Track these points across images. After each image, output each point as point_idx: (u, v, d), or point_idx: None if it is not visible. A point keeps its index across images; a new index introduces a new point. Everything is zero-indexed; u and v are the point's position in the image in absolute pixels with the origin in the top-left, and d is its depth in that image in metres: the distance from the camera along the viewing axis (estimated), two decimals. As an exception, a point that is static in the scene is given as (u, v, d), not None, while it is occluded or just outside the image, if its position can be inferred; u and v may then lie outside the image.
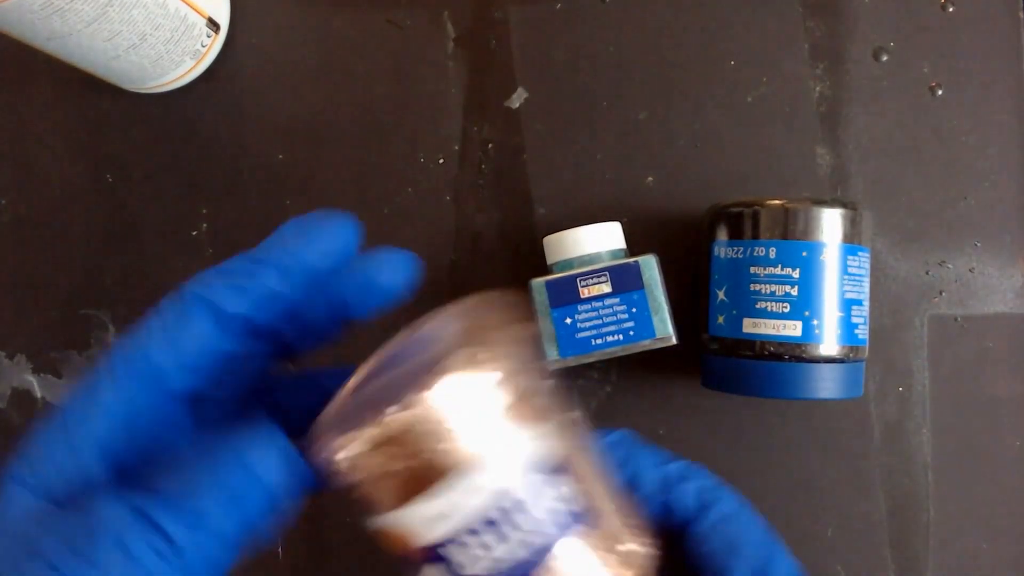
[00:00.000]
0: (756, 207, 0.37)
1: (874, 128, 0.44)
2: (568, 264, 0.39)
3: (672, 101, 0.45)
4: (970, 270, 0.43)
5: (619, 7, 0.45)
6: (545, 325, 0.38)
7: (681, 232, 0.44)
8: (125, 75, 0.43)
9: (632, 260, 0.38)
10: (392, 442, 0.20)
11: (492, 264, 0.45)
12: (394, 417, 0.20)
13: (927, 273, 0.43)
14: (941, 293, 0.43)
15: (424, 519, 0.21)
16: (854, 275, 0.37)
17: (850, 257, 0.37)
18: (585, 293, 0.37)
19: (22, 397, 0.47)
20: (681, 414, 0.43)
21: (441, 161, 0.45)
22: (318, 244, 0.23)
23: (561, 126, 0.45)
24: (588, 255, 0.39)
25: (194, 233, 0.46)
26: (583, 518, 0.22)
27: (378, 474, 0.21)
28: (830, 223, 0.36)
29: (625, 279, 0.37)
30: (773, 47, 0.44)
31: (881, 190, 0.44)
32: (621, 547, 0.22)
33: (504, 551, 0.21)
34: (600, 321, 0.37)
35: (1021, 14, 0.44)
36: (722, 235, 0.39)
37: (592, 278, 0.37)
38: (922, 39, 0.44)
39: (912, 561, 0.42)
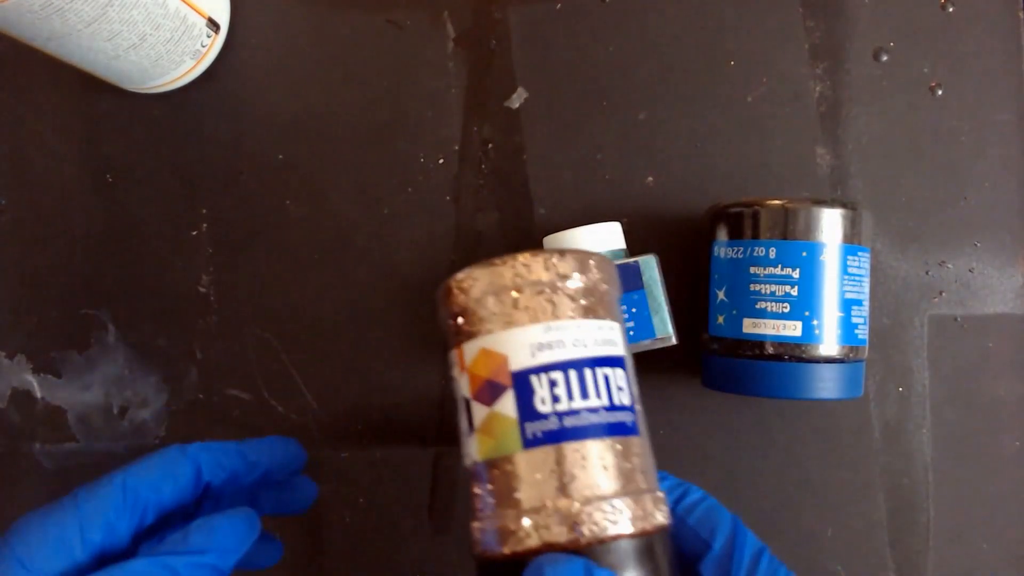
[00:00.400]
0: (756, 207, 0.37)
1: (874, 128, 0.44)
2: None
3: (672, 101, 0.45)
4: (970, 270, 0.43)
5: (619, 7, 0.45)
6: None
7: (681, 232, 0.44)
8: (125, 75, 0.43)
9: (632, 260, 0.38)
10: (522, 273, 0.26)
11: (492, 264, 0.45)
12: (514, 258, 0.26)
13: (927, 273, 0.43)
14: (941, 293, 0.43)
15: (526, 345, 0.25)
16: (854, 275, 0.37)
17: (850, 257, 0.37)
18: None
19: (22, 397, 0.47)
20: (681, 414, 0.44)
21: (441, 161, 0.45)
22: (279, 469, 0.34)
23: (561, 126, 0.45)
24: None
25: (194, 233, 0.46)
26: (634, 427, 0.26)
27: (516, 293, 0.26)
28: (830, 223, 0.36)
29: (625, 279, 0.37)
30: (773, 47, 0.44)
31: (881, 190, 0.44)
32: (649, 493, 0.25)
33: (579, 406, 0.24)
34: None
35: (1021, 14, 0.44)
36: (722, 235, 0.39)
37: None
38: (922, 39, 0.44)
39: (912, 561, 0.43)
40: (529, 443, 0.24)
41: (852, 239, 0.37)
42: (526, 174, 0.45)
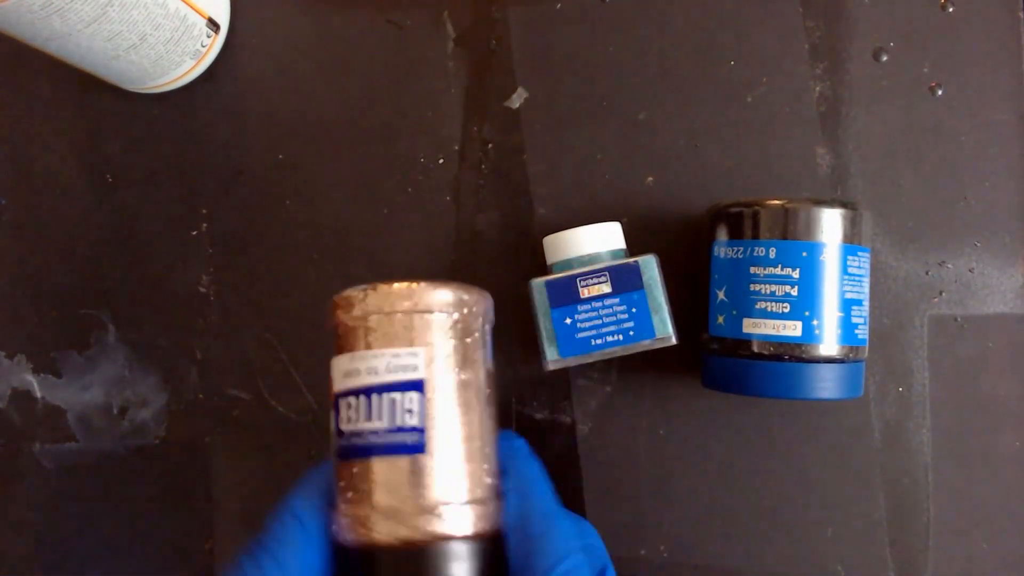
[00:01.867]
0: (756, 207, 0.37)
1: (874, 128, 0.44)
2: (568, 264, 0.39)
3: (672, 101, 0.45)
4: (970, 270, 0.43)
5: (619, 7, 0.45)
6: (545, 325, 0.38)
7: (681, 232, 0.44)
8: (125, 75, 0.43)
9: (632, 260, 0.38)
10: (349, 306, 0.30)
11: (492, 264, 0.45)
12: (359, 289, 0.30)
13: (927, 273, 0.43)
14: (941, 293, 0.43)
15: (340, 371, 0.29)
16: (854, 275, 0.37)
17: (850, 257, 0.37)
18: (585, 293, 0.37)
19: (22, 397, 0.47)
20: (681, 414, 0.44)
21: (441, 161, 0.45)
22: None
23: (561, 126, 0.45)
24: (588, 255, 0.39)
25: (194, 233, 0.46)
26: (419, 447, 0.28)
27: (343, 326, 0.30)
28: (830, 223, 0.36)
29: (625, 279, 0.37)
30: (773, 47, 0.44)
31: (881, 190, 0.44)
32: (427, 513, 0.28)
33: (363, 427, 0.28)
34: (600, 321, 0.37)
35: (1021, 14, 0.44)
36: (722, 235, 0.39)
37: (592, 278, 0.37)
38: (922, 39, 0.44)
39: (912, 561, 0.43)
40: (338, 455, 0.29)
41: (852, 239, 0.37)
42: (526, 174, 0.45)
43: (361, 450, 0.28)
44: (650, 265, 0.38)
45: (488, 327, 0.32)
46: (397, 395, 0.28)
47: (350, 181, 0.46)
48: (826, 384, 0.36)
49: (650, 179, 0.44)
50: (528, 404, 0.44)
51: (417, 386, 0.28)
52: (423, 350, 0.29)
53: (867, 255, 0.38)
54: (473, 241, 0.45)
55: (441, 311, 0.29)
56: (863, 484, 0.43)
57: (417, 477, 0.28)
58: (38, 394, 0.47)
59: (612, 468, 0.44)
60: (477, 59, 0.45)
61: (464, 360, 0.30)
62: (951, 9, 0.44)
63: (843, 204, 0.37)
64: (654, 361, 0.43)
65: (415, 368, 0.28)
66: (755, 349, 0.37)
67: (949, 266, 0.43)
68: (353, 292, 0.30)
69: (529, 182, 0.45)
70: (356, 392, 0.28)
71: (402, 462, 0.28)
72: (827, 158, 0.44)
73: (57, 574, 0.47)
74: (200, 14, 0.43)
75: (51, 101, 0.47)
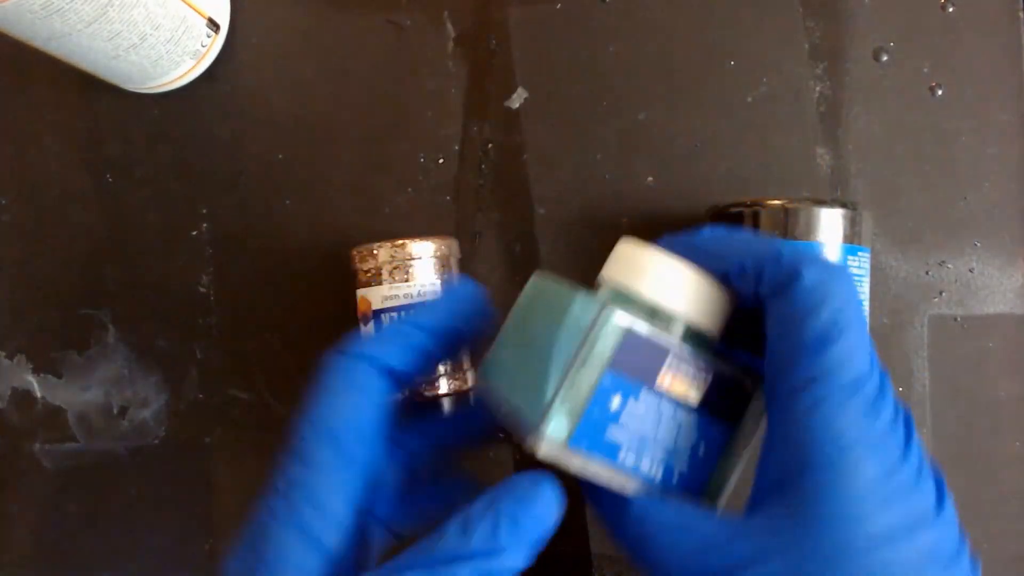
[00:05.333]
0: (756, 207, 0.37)
1: (874, 128, 0.44)
2: (629, 301, 0.26)
3: (672, 101, 0.45)
4: (970, 270, 0.43)
5: (619, 7, 0.45)
6: (577, 379, 0.23)
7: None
8: (125, 75, 0.43)
9: (748, 379, 0.26)
10: (377, 256, 0.39)
11: (492, 264, 0.45)
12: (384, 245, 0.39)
13: (927, 273, 0.43)
14: (941, 293, 0.43)
15: (379, 296, 0.39)
16: (854, 275, 0.37)
17: (850, 257, 0.37)
18: (664, 381, 0.25)
19: (22, 397, 0.47)
20: (681, 414, 0.43)
21: (441, 161, 0.45)
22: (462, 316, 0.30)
23: (561, 126, 0.45)
24: (666, 309, 0.25)
25: (194, 233, 0.46)
26: None
27: (373, 268, 0.40)
28: (830, 223, 0.36)
29: (725, 399, 0.26)
30: (773, 47, 0.44)
31: (881, 190, 0.44)
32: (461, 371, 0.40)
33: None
34: (654, 434, 0.25)
35: (1021, 14, 0.44)
36: (722, 235, 0.38)
37: (688, 367, 0.25)
38: (922, 39, 0.44)
39: (912, 561, 0.42)
40: None
41: (852, 239, 0.37)
42: (526, 174, 0.45)
43: None
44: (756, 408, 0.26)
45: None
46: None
47: (350, 181, 0.46)
48: (826, 384, 0.36)
49: (650, 179, 0.44)
50: (528, 404, 0.44)
51: None
52: (438, 280, 0.41)
53: (867, 255, 0.38)
54: (473, 241, 0.45)
55: (449, 255, 0.41)
56: (863, 484, 0.43)
57: None
58: (38, 394, 0.47)
59: (612, 468, 0.44)
60: (477, 59, 0.46)
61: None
62: (951, 9, 0.44)
63: (843, 204, 0.37)
64: (654, 361, 0.43)
65: (438, 291, 0.40)
66: (755, 349, 0.37)
67: (949, 266, 0.43)
68: (386, 243, 0.40)
69: (529, 182, 0.45)
70: (398, 308, 0.39)
71: None
72: (827, 158, 0.44)
73: (57, 574, 0.47)
74: (200, 14, 0.43)
75: (51, 101, 0.47)
